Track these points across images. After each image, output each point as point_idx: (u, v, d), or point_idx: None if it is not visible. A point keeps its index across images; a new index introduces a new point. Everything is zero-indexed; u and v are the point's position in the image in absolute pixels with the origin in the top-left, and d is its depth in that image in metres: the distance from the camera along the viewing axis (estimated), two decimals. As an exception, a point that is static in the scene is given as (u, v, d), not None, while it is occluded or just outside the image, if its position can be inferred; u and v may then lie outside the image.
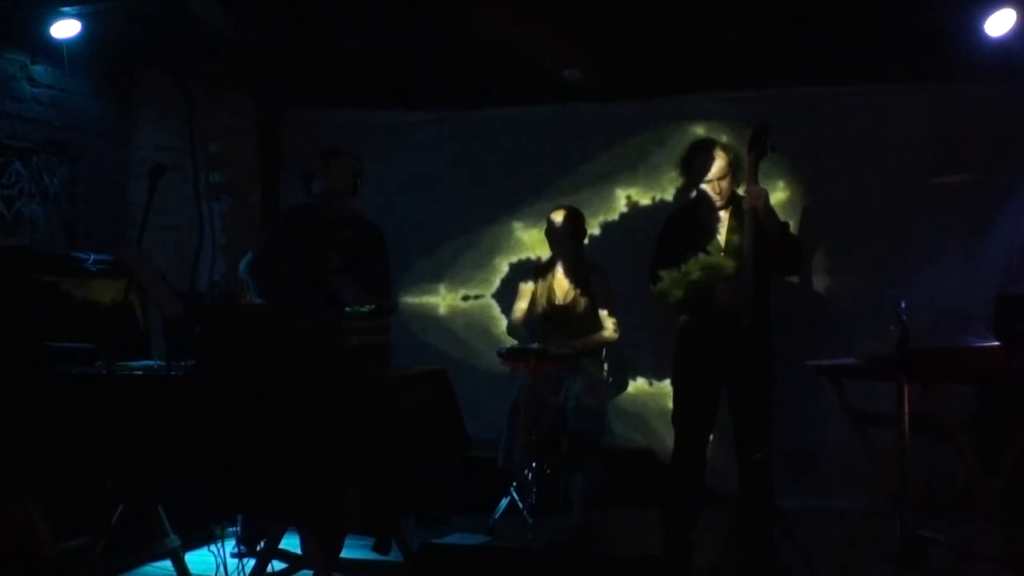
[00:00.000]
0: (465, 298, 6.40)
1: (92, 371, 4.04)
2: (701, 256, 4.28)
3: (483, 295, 6.37)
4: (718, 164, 4.33)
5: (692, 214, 4.47)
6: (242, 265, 4.75)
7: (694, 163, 4.38)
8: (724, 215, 4.40)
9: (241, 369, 3.73)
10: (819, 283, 5.77)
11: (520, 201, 6.21)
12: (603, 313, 5.39)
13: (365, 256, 4.58)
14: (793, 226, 4.54)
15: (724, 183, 4.34)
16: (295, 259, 4.54)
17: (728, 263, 4.24)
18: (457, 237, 6.37)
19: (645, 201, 6.12)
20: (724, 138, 4.51)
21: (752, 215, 4.18)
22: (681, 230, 4.45)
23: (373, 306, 4.01)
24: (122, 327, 4.67)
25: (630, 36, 5.78)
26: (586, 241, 5.60)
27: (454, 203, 6.33)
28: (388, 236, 6.20)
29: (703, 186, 4.36)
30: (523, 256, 6.13)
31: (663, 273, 4.40)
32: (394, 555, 4.62)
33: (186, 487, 3.72)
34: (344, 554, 4.53)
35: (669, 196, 5.96)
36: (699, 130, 5.69)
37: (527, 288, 5.58)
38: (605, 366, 5.49)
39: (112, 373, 3.88)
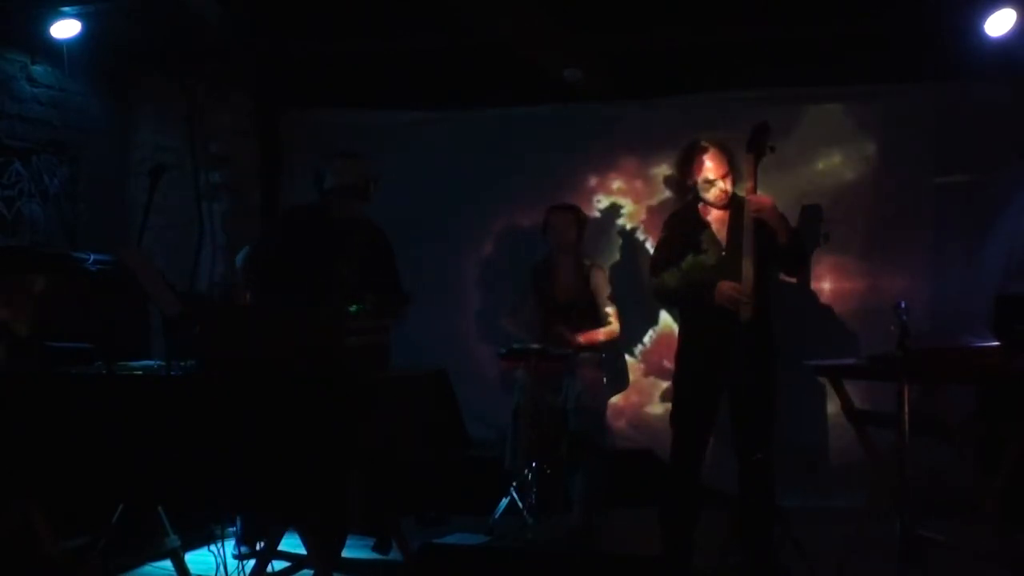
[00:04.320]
0: (469, 297, 6.39)
1: (92, 371, 4.04)
2: (696, 257, 4.29)
3: (487, 294, 6.36)
4: (717, 165, 4.33)
5: (691, 214, 4.47)
6: (239, 258, 4.73)
7: (692, 164, 4.38)
8: (723, 214, 4.40)
9: (241, 369, 3.73)
10: (819, 283, 5.77)
11: (520, 201, 6.21)
12: (607, 311, 5.40)
13: (375, 263, 4.58)
14: (791, 224, 4.54)
15: (726, 183, 4.35)
16: (301, 264, 4.51)
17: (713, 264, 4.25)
18: (457, 237, 6.37)
19: (645, 201, 6.12)
20: (723, 138, 4.50)
21: (756, 222, 4.17)
22: (681, 230, 4.45)
23: (374, 304, 4.01)
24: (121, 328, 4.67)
25: (630, 36, 5.78)
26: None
27: (454, 203, 6.32)
28: (387, 236, 6.25)
29: (702, 186, 4.36)
30: (523, 256, 6.10)
31: (663, 274, 4.41)
32: (394, 555, 4.62)
33: (186, 487, 3.72)
34: (344, 554, 4.54)
35: (669, 196, 5.96)
36: (699, 130, 5.67)
37: (525, 287, 5.58)
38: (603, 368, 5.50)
39: (112, 373, 3.88)
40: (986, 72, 5.26)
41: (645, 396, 6.02)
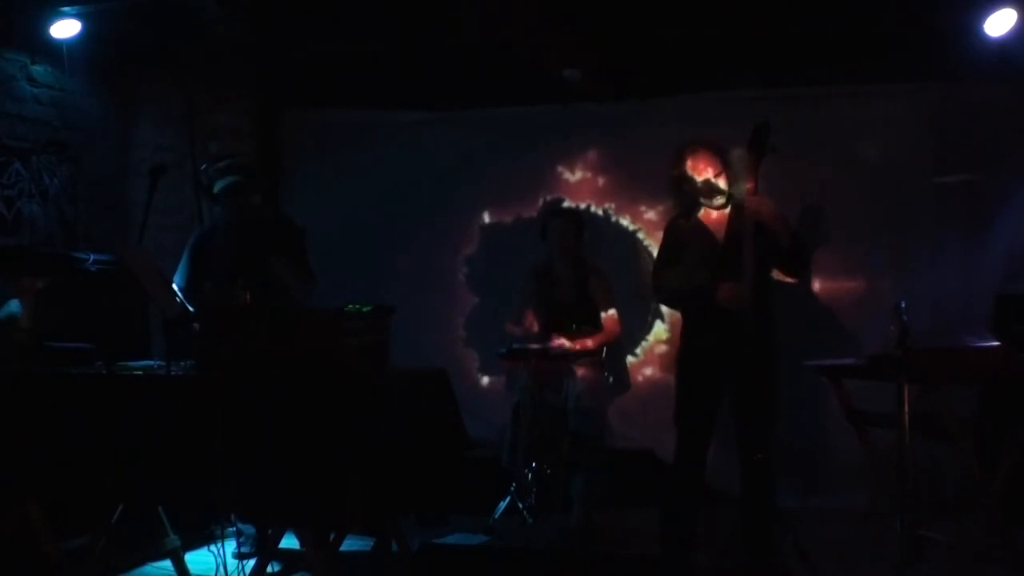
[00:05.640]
0: (464, 297, 6.39)
1: (92, 371, 4.04)
2: (695, 258, 4.29)
3: (483, 294, 6.36)
4: (707, 165, 4.33)
5: (689, 216, 4.47)
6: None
7: (683, 166, 4.38)
8: (721, 215, 4.39)
9: (240, 369, 3.73)
10: (819, 283, 5.77)
11: (520, 201, 6.21)
12: (607, 313, 5.40)
13: (286, 247, 4.72)
14: (792, 226, 4.54)
15: (719, 183, 4.34)
16: (224, 267, 4.62)
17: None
18: (456, 237, 6.37)
19: (645, 202, 6.11)
20: (720, 138, 4.50)
21: (754, 223, 4.17)
22: (679, 232, 4.45)
23: (372, 306, 4.02)
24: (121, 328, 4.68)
25: (630, 36, 5.77)
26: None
27: (454, 203, 6.32)
28: (386, 235, 6.26)
29: (695, 188, 4.36)
30: (523, 256, 6.12)
31: (665, 276, 4.41)
32: (394, 555, 4.62)
33: (185, 487, 3.72)
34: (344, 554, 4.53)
35: (668, 197, 5.95)
36: (699, 130, 5.67)
37: (527, 290, 5.58)
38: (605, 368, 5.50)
39: (112, 373, 3.88)
40: (986, 72, 5.26)
41: (646, 397, 6.02)
